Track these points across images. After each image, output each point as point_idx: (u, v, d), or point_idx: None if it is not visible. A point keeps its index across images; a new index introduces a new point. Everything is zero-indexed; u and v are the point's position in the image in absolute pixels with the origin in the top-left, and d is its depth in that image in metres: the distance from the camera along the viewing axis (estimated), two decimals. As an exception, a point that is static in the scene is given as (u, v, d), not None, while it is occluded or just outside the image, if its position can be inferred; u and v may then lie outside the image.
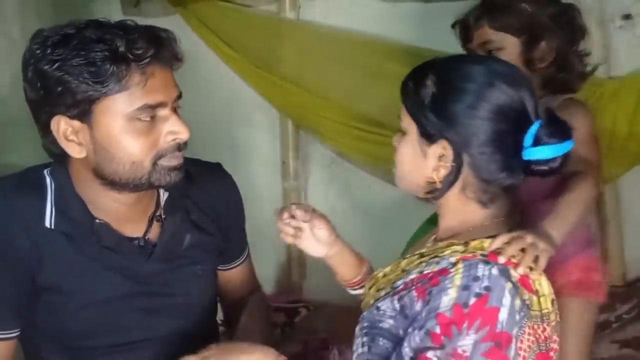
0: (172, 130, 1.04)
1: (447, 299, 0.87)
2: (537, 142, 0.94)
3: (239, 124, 2.76)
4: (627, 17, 2.26)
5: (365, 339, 0.98)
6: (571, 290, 1.59)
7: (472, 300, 0.85)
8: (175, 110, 1.06)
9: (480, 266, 0.88)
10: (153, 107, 1.01)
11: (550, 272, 1.47)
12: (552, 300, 0.93)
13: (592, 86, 2.24)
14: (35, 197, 1.08)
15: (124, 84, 0.98)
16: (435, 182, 0.97)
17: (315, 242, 1.19)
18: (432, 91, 0.96)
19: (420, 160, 0.99)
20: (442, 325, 0.86)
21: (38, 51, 1.00)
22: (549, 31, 1.53)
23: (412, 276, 0.97)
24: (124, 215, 1.12)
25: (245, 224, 1.36)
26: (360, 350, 0.99)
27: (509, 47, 1.52)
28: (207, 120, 2.40)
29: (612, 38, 2.30)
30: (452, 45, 2.35)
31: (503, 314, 0.84)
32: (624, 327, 2.36)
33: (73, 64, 0.97)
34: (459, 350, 0.84)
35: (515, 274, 0.88)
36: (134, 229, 1.13)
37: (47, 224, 1.07)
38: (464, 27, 1.61)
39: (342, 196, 2.71)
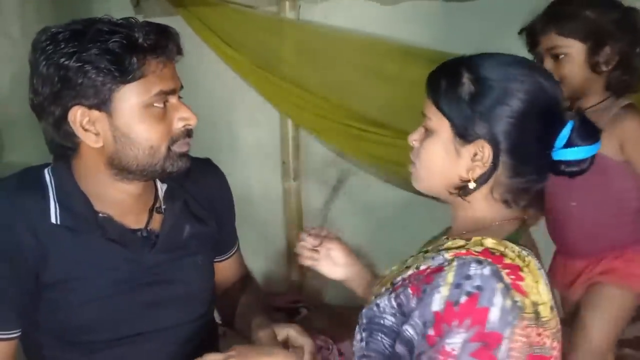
0: (183, 116, 1.09)
1: (439, 296, 0.87)
2: (569, 144, 0.96)
3: (239, 124, 2.76)
4: (626, 17, 2.25)
5: (364, 334, 0.99)
6: (608, 277, 1.68)
7: (464, 299, 0.85)
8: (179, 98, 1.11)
9: (473, 265, 0.87)
10: (167, 94, 1.06)
11: (592, 264, 1.69)
12: (551, 308, 0.92)
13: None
14: (38, 195, 1.10)
15: (142, 71, 1.02)
16: (468, 181, 0.97)
17: (331, 264, 1.23)
18: (471, 90, 0.94)
19: (453, 160, 0.97)
20: (435, 325, 0.86)
21: (49, 47, 1.01)
22: (613, 36, 1.59)
23: (409, 272, 0.98)
24: (127, 207, 1.14)
25: (235, 218, 1.40)
26: (358, 346, 1.00)
27: (575, 52, 1.59)
28: (207, 120, 2.41)
29: (612, 38, 2.30)
30: (450, 45, 2.36)
31: (494, 314, 0.84)
32: (623, 326, 2.36)
33: (93, 53, 1.00)
34: (448, 348, 0.84)
35: (507, 276, 0.88)
36: (135, 221, 1.15)
37: (53, 220, 1.08)
38: (531, 33, 1.67)
39: (342, 196, 2.72)
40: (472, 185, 0.96)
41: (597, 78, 1.61)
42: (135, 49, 1.01)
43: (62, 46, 1.00)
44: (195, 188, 1.25)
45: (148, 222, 1.17)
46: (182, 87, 1.12)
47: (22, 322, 1.09)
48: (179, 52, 1.09)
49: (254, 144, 2.76)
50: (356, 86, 2.46)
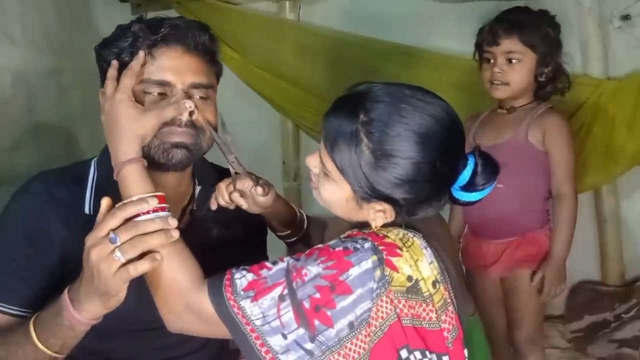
0: (175, 105, 1.08)
1: (325, 242, 0.95)
2: (469, 187, 0.97)
3: (239, 124, 2.76)
4: (625, 17, 2.27)
5: None
6: (528, 262, 1.92)
7: (339, 248, 0.92)
8: (187, 94, 1.10)
9: (359, 240, 0.93)
10: (158, 84, 1.08)
11: (513, 248, 1.94)
12: (434, 282, 0.95)
13: (591, 87, 2.26)
14: (76, 186, 1.14)
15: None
16: (369, 224, 0.99)
17: (253, 203, 1.19)
18: (372, 161, 0.92)
19: (354, 208, 0.99)
20: (309, 251, 0.94)
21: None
22: (556, 53, 1.87)
23: None
24: None
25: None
26: None
27: (528, 60, 1.84)
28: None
29: (611, 39, 2.31)
30: (448, 46, 2.37)
31: (354, 271, 0.89)
32: (622, 326, 2.36)
33: (111, 43, 1.11)
34: (303, 271, 0.90)
35: (382, 251, 0.92)
36: None
37: (87, 210, 1.12)
38: (493, 32, 1.85)
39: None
40: (375, 230, 0.98)
41: (533, 85, 1.88)
42: (134, 40, 1.09)
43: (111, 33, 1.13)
44: None
45: (179, 221, 1.15)
46: (206, 85, 1.12)
47: (37, 304, 1.09)
48: (198, 47, 1.11)
49: (254, 144, 2.76)
50: (356, 86, 2.46)
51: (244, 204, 1.17)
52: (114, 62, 1.07)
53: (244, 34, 2.58)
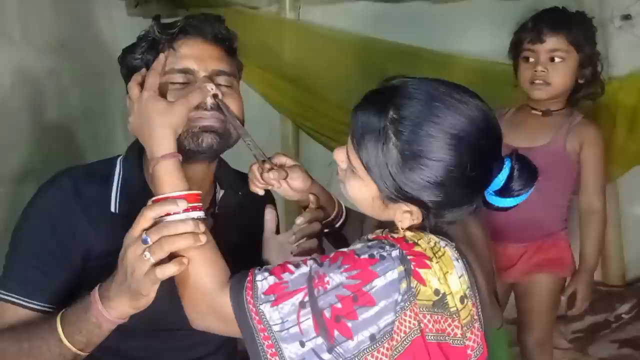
0: (201, 89, 1.09)
1: (351, 245, 0.93)
2: (503, 191, 0.91)
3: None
4: (626, 17, 2.27)
5: None
6: (546, 267, 1.89)
7: (365, 256, 0.88)
8: (210, 80, 1.12)
9: (387, 246, 0.90)
10: (182, 72, 1.10)
11: (531, 252, 1.89)
12: (462, 297, 0.90)
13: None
14: (102, 184, 1.15)
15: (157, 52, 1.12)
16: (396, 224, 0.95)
17: (288, 189, 1.19)
18: (399, 161, 0.88)
19: (381, 207, 0.95)
20: (333, 256, 0.91)
21: None
22: (597, 55, 1.81)
23: None
24: None
25: None
26: None
27: (571, 60, 1.76)
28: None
29: (612, 38, 2.30)
30: (450, 45, 2.37)
31: (379, 282, 0.86)
32: (623, 326, 2.37)
33: (132, 48, 1.15)
34: (326, 278, 0.87)
35: (411, 262, 0.88)
36: None
37: (113, 209, 1.13)
38: (538, 29, 1.76)
39: (341, 196, 2.71)
40: (401, 232, 0.94)
41: (571, 87, 1.80)
42: (154, 36, 1.13)
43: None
44: (251, 204, 1.25)
45: None
46: (228, 73, 1.18)
47: (57, 300, 1.09)
48: (217, 37, 1.16)
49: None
50: (356, 86, 2.45)
51: (275, 184, 1.17)
52: (143, 70, 1.09)
53: (244, 34, 2.56)
